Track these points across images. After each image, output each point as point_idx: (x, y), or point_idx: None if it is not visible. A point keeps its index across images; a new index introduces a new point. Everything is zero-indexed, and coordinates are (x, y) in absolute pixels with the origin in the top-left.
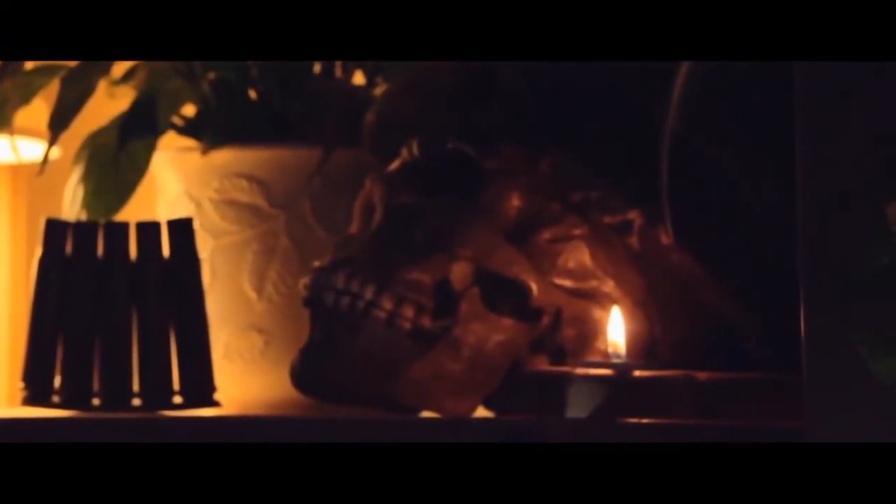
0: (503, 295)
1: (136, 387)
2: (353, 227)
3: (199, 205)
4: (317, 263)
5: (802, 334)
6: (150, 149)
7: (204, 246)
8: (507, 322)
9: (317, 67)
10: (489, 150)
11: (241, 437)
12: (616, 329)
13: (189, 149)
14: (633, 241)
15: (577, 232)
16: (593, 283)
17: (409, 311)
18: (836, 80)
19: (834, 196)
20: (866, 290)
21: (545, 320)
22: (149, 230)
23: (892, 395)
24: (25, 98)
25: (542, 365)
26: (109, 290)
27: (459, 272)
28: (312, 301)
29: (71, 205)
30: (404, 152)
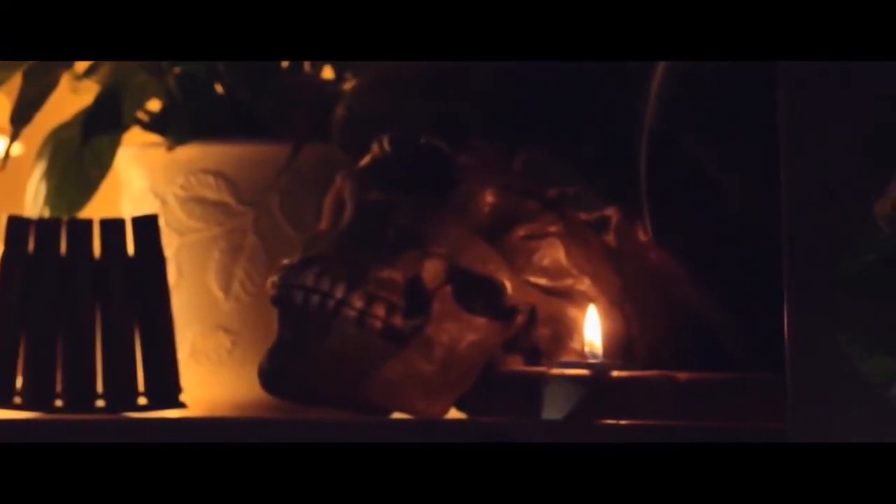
0: (476, 293)
1: (99, 387)
2: (323, 224)
3: (164, 202)
4: (285, 261)
5: (786, 334)
6: (114, 144)
7: (170, 243)
8: (481, 321)
9: (285, 62)
10: (462, 145)
11: (207, 438)
12: (593, 328)
13: (154, 144)
14: (610, 238)
15: (552, 229)
16: (569, 282)
17: (380, 310)
18: (819, 76)
19: (818, 193)
20: (852, 287)
21: (519, 319)
22: (113, 227)
23: (875, 395)
24: None
25: (517, 365)
26: (72, 288)
27: (432, 270)
28: (281, 300)
29: (33, 201)
30: (375, 147)
